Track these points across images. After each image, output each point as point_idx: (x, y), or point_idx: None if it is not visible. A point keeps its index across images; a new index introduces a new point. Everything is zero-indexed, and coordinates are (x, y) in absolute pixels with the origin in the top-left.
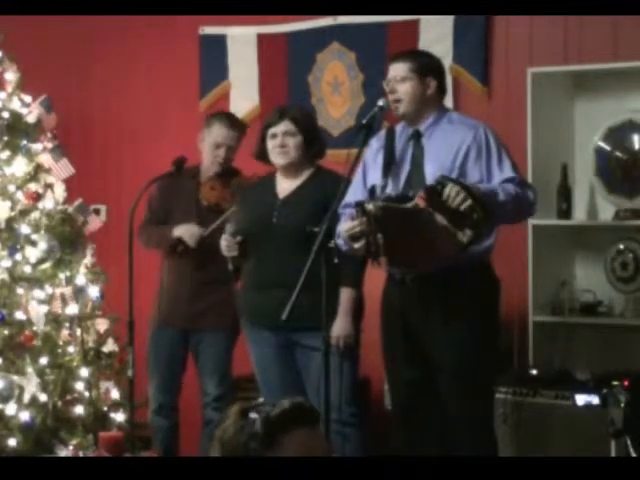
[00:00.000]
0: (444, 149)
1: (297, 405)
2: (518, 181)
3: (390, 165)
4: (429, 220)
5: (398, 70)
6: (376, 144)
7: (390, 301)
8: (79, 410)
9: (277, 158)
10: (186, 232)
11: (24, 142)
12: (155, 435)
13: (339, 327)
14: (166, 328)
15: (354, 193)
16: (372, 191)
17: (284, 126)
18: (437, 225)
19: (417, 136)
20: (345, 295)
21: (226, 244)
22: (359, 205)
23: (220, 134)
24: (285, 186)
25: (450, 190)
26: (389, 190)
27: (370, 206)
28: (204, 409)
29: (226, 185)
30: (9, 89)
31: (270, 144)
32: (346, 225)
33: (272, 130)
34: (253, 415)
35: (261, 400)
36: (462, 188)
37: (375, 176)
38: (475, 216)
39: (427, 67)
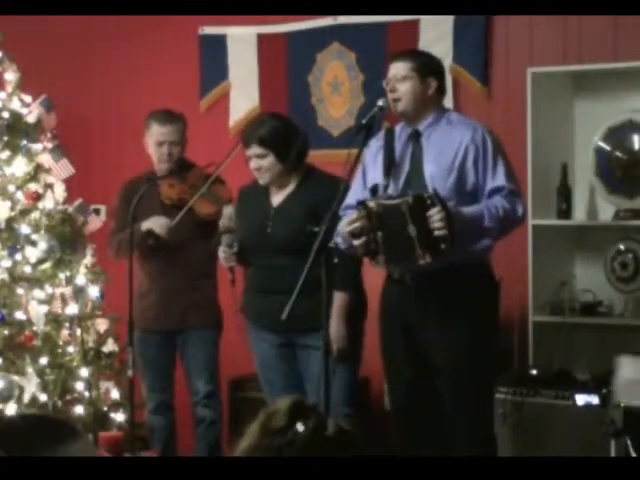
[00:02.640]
0: (443, 149)
1: (344, 433)
2: (508, 191)
3: (391, 165)
4: (404, 223)
5: (399, 69)
6: (375, 145)
7: (389, 301)
8: (79, 410)
9: (258, 179)
10: (155, 223)
11: (24, 142)
12: (153, 435)
13: (331, 331)
14: (150, 332)
15: (354, 194)
16: (374, 190)
17: (253, 150)
18: (406, 232)
19: (416, 136)
20: (337, 299)
21: (224, 255)
22: (361, 203)
23: (157, 132)
24: (278, 194)
25: (435, 212)
26: (390, 190)
27: (372, 204)
28: (195, 408)
29: (184, 179)
30: (9, 89)
31: (250, 164)
32: (347, 220)
33: (246, 152)
34: (300, 427)
35: (313, 403)
36: (446, 216)
37: (375, 176)
38: (442, 246)
39: (428, 67)
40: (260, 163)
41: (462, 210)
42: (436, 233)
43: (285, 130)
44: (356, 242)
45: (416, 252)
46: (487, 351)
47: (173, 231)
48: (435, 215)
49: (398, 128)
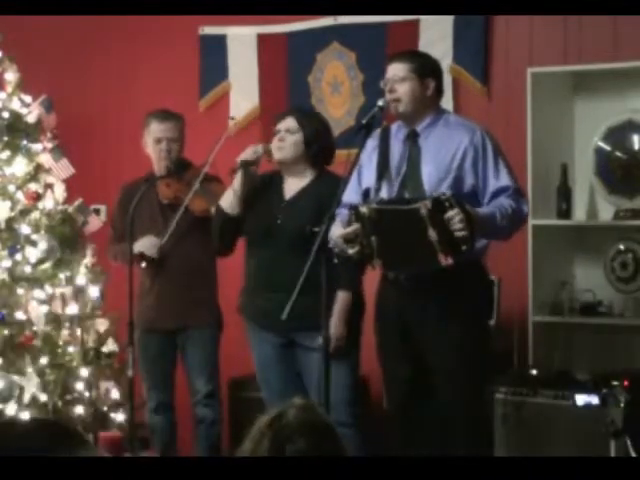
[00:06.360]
0: (441, 151)
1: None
2: (513, 191)
3: (384, 167)
4: (423, 227)
5: (397, 70)
6: (371, 144)
7: (384, 301)
8: (79, 410)
9: (275, 152)
10: (145, 245)
11: (24, 142)
12: (154, 434)
13: (332, 330)
14: (150, 332)
15: (350, 194)
16: (366, 194)
17: (286, 123)
18: (426, 236)
19: (414, 136)
20: (341, 299)
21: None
22: (353, 208)
23: (156, 129)
24: (291, 187)
25: (454, 214)
26: (383, 192)
27: (364, 209)
28: (195, 407)
29: (180, 179)
30: (9, 89)
31: (273, 139)
32: (339, 230)
33: (277, 126)
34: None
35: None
36: (466, 216)
37: (369, 177)
38: (464, 247)
39: (426, 68)
40: (286, 137)
41: (478, 210)
42: (457, 234)
43: (322, 122)
44: (350, 250)
45: (437, 255)
46: (482, 350)
47: (164, 248)
48: (455, 217)
49: (394, 127)
